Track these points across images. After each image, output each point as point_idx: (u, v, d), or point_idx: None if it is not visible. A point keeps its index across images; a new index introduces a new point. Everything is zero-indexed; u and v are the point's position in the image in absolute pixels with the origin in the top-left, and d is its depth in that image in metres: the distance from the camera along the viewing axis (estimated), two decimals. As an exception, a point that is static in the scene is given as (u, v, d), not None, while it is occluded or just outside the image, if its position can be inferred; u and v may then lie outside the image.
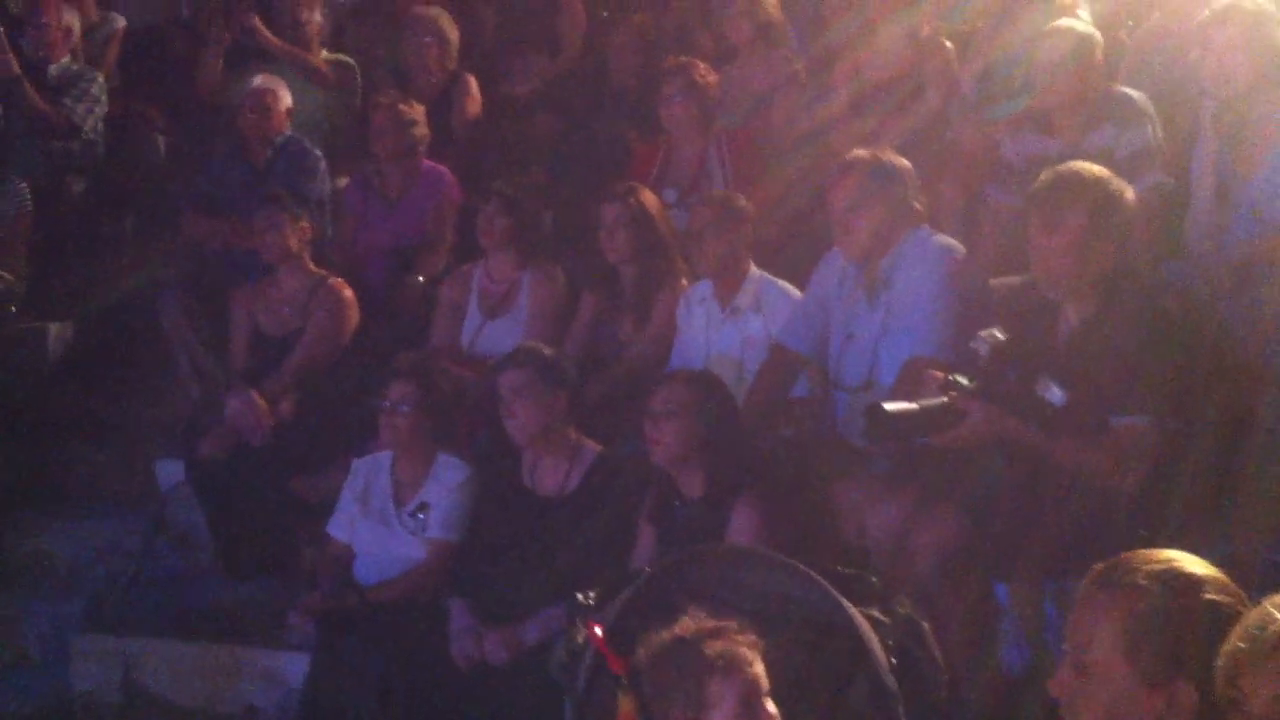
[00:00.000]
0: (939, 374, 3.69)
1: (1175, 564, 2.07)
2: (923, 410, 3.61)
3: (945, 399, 3.61)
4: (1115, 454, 3.56)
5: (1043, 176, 3.91)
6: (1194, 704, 2.00)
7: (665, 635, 2.59)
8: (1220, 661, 1.67)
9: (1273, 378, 3.94)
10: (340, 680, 4.41)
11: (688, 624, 2.58)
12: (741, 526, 4.05)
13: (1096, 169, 3.88)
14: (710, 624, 2.56)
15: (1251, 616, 1.66)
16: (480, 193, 5.63)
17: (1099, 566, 2.12)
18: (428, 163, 6.04)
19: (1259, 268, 4.48)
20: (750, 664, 2.52)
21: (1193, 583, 2.05)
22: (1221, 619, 1.98)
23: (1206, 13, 4.71)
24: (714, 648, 2.52)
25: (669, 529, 4.21)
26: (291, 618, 4.60)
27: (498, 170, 6.04)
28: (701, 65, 5.89)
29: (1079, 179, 3.81)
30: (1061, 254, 3.75)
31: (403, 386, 4.68)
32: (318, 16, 6.72)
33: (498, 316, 5.42)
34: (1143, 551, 2.12)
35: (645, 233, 5.18)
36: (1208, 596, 2.03)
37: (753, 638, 2.55)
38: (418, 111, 5.96)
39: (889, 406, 3.61)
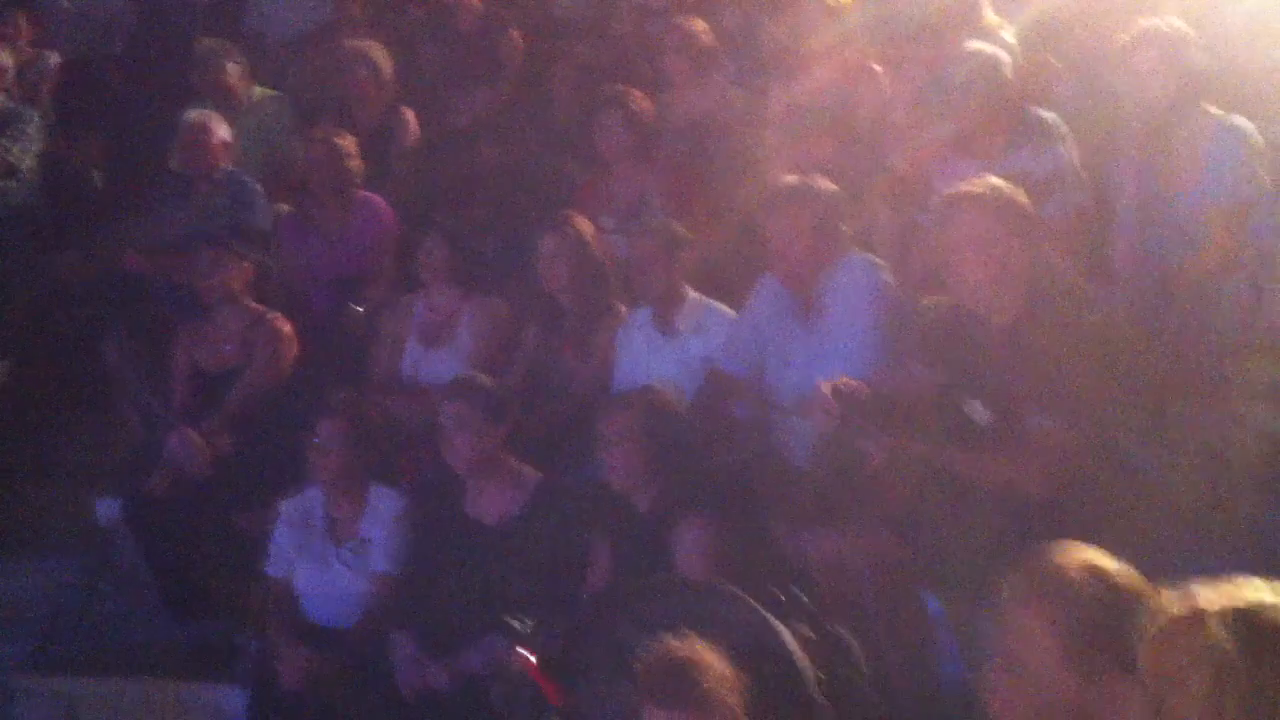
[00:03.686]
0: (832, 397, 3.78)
1: (1096, 560, 2.15)
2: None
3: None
4: (1029, 457, 3.63)
5: (947, 192, 4.01)
6: (1127, 693, 2.05)
7: (658, 654, 2.56)
8: (1143, 649, 1.73)
9: (1197, 392, 4.03)
10: (283, 713, 4.41)
11: (681, 648, 2.57)
12: (689, 546, 4.10)
13: (999, 181, 3.98)
14: (712, 659, 2.55)
15: (1163, 603, 1.73)
16: (420, 224, 5.67)
17: (1019, 568, 2.18)
18: (364, 194, 6.08)
19: (1186, 285, 4.58)
20: (729, 689, 2.53)
21: (1115, 577, 2.14)
22: (1145, 610, 2.03)
23: (1125, 36, 4.82)
24: (702, 680, 2.52)
25: (624, 548, 4.26)
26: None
27: (439, 201, 6.08)
28: (638, 94, 5.96)
29: (983, 193, 3.91)
30: (976, 265, 3.84)
31: (331, 424, 4.70)
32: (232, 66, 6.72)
33: (438, 347, 5.45)
34: (1058, 551, 2.19)
35: (583, 262, 5.23)
36: (1131, 589, 2.13)
37: (738, 674, 2.56)
38: (352, 144, 6.00)
39: None
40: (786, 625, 2.93)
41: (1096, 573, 2.15)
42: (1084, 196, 4.95)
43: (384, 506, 4.72)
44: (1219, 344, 4.36)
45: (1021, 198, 3.95)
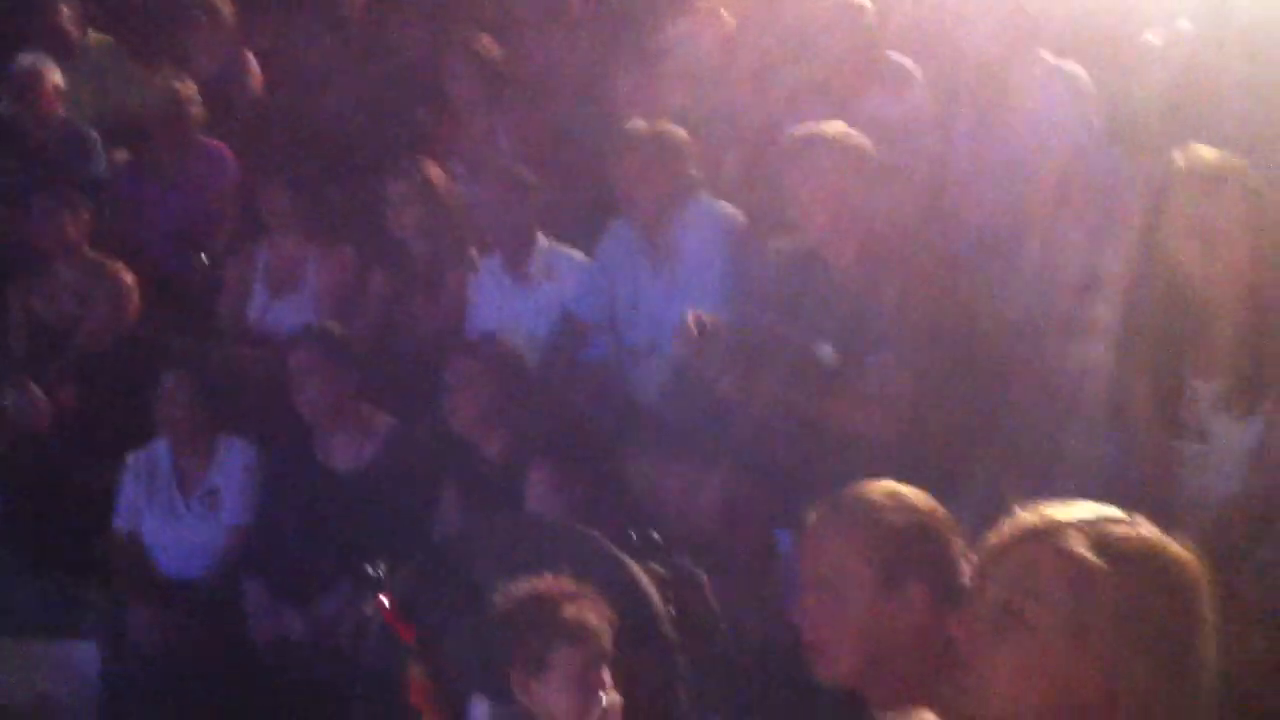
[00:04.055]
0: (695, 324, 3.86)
1: (897, 487, 2.35)
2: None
3: None
4: (869, 397, 3.74)
5: (793, 134, 4.08)
6: (926, 600, 2.24)
7: (524, 590, 2.59)
8: (977, 556, 1.83)
9: (1027, 336, 4.16)
10: (136, 665, 4.37)
11: (547, 582, 2.60)
12: (539, 489, 4.13)
13: (842, 125, 4.05)
14: (570, 587, 2.59)
15: (1016, 514, 1.81)
16: (265, 171, 5.57)
17: (827, 499, 2.35)
18: (205, 142, 5.94)
19: (1022, 227, 4.72)
20: (600, 635, 2.56)
21: (915, 499, 2.33)
22: (943, 527, 2.29)
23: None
24: (569, 611, 2.55)
25: (473, 491, 4.28)
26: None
27: (282, 147, 5.96)
28: (485, 38, 5.91)
29: (826, 135, 3.99)
30: (818, 207, 3.92)
31: (176, 375, 4.65)
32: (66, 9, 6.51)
33: (285, 295, 5.38)
34: (864, 483, 2.36)
35: (433, 208, 5.20)
36: (929, 508, 2.32)
37: (607, 609, 2.59)
38: (192, 90, 5.86)
39: None
40: (638, 562, 2.97)
41: (896, 496, 2.33)
42: (936, 142, 5.06)
43: (233, 457, 4.68)
44: (1058, 286, 4.50)
45: (865, 141, 4.03)
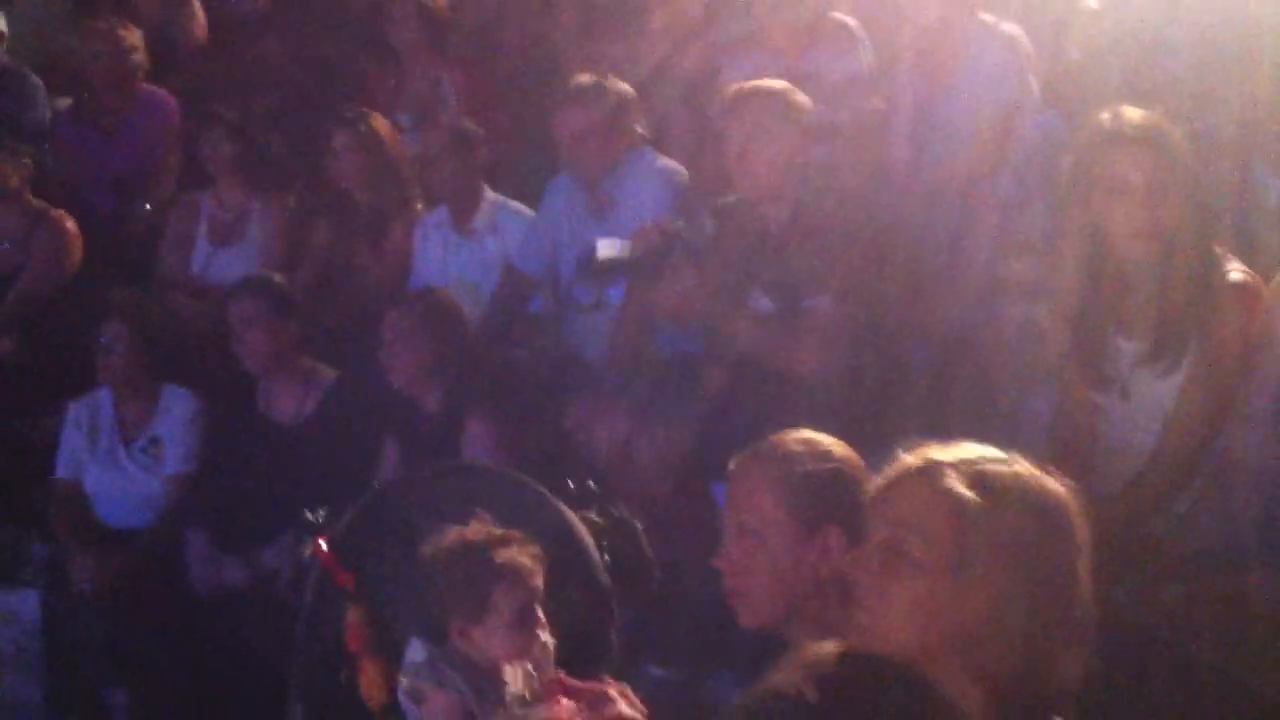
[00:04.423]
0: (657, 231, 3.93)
1: (814, 435, 2.46)
2: (633, 257, 3.86)
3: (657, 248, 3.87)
4: (804, 335, 3.81)
5: (732, 88, 4.12)
6: (842, 545, 2.34)
7: (455, 539, 2.64)
8: (877, 498, 1.91)
9: (955, 295, 4.23)
10: (77, 614, 4.38)
11: (477, 530, 2.64)
12: (477, 441, 4.17)
13: (780, 82, 4.10)
14: (499, 532, 2.64)
15: (899, 457, 1.89)
16: (208, 119, 5.53)
17: (747, 449, 2.45)
18: (147, 88, 5.90)
19: (956, 186, 4.78)
20: (533, 575, 2.61)
21: (831, 447, 2.44)
22: (858, 473, 2.39)
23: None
24: (502, 555, 2.59)
25: (412, 444, 4.31)
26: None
27: (225, 95, 5.92)
28: (430, -13, 5.89)
29: (764, 89, 4.03)
30: (756, 160, 3.97)
31: (116, 325, 4.63)
32: None
33: (228, 245, 5.37)
34: (783, 433, 2.46)
35: (377, 159, 5.19)
36: (844, 456, 2.43)
37: (536, 549, 2.64)
38: (135, 36, 5.80)
39: (601, 249, 3.85)
40: (574, 511, 3.02)
41: (812, 444, 2.43)
42: (878, 102, 5.10)
43: (176, 406, 4.68)
44: (987, 243, 4.58)
45: (801, 97, 4.08)
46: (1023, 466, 1.81)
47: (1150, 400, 3.06)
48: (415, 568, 2.65)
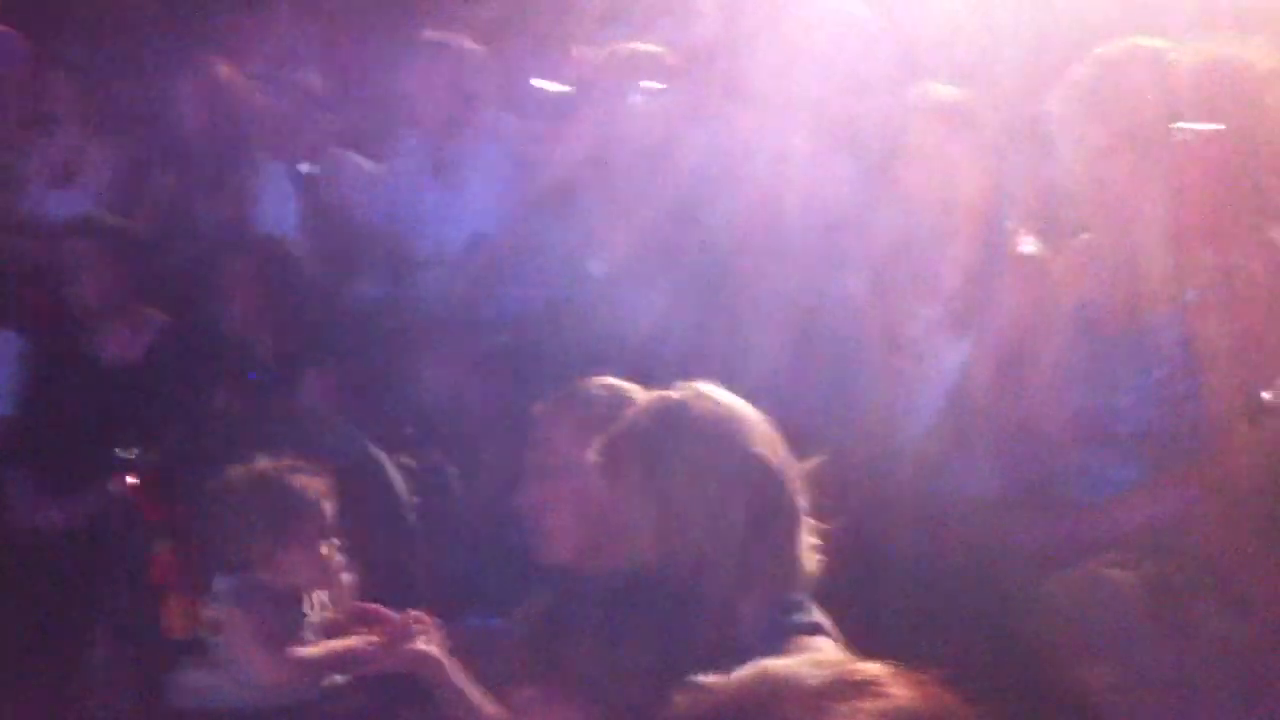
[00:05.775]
0: None
1: (615, 381, 2.59)
2: None
3: None
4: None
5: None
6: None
7: (247, 470, 2.68)
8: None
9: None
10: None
11: (266, 462, 2.69)
12: (314, 390, 4.19)
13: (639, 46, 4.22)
14: (288, 462, 2.69)
15: None
16: (49, 59, 5.43)
17: (551, 394, 2.57)
18: (-9, 24, 5.75)
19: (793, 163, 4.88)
20: (326, 499, 2.67)
21: (631, 391, 2.53)
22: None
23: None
24: (292, 483, 2.65)
25: (244, 391, 4.30)
26: None
27: (69, 36, 5.81)
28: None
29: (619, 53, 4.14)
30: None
31: None
32: None
33: (65, 186, 5.28)
34: (586, 379, 2.58)
35: (221, 108, 5.15)
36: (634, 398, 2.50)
37: (324, 480, 2.70)
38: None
39: None
40: (390, 454, 3.09)
41: (613, 389, 2.57)
42: (725, 72, 5.18)
43: (2, 347, 4.59)
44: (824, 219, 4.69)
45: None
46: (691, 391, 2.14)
47: (941, 363, 3.21)
48: (219, 501, 2.70)
